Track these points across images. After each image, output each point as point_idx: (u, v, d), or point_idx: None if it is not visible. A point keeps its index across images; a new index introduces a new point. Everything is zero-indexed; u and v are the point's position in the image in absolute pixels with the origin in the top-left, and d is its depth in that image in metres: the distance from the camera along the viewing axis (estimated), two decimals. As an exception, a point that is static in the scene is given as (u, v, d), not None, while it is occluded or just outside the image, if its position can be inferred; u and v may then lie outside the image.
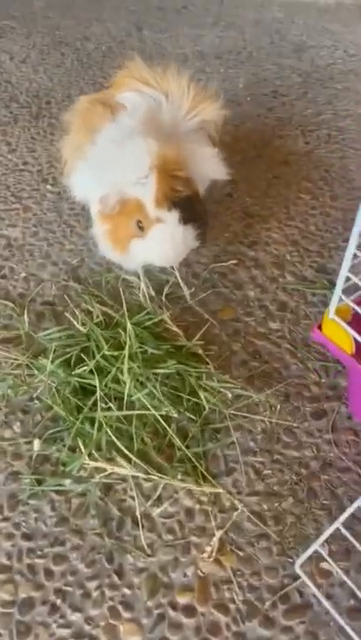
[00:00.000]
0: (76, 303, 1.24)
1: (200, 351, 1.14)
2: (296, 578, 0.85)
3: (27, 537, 0.89)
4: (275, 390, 1.09)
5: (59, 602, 0.83)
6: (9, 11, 2.55)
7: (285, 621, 0.81)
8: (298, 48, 2.29)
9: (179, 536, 0.90)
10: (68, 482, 0.95)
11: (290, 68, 2.14)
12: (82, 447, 0.97)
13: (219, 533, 0.88)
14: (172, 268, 1.23)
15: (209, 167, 1.26)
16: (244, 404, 1.05)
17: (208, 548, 0.87)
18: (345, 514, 0.85)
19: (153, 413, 1.00)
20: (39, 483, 0.95)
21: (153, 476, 0.95)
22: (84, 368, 1.06)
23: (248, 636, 0.80)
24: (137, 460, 0.96)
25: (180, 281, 1.25)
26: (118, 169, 1.14)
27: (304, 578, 0.82)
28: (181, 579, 0.85)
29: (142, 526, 0.90)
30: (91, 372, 1.05)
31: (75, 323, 1.16)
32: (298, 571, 0.83)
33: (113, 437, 0.97)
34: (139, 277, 1.25)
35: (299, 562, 0.83)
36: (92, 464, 0.95)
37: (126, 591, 0.84)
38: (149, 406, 1.01)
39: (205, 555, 0.87)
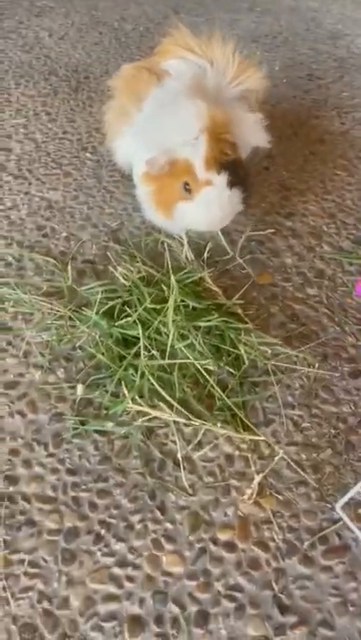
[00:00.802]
0: (116, 262, 1.27)
1: (239, 311, 1.16)
2: (335, 521, 0.86)
3: (71, 472, 0.92)
4: (313, 350, 1.10)
5: (103, 532, 0.85)
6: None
7: (325, 561, 0.83)
8: (333, 35, 2.30)
9: (219, 479, 0.92)
10: (110, 424, 0.98)
11: (326, 54, 2.16)
12: (126, 392, 0.99)
13: (258, 477, 0.90)
14: (217, 233, 1.25)
15: (252, 133, 1.28)
16: (282, 360, 1.07)
17: (248, 491, 0.89)
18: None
19: (194, 363, 1.02)
20: (82, 424, 0.98)
21: (194, 422, 0.96)
22: (127, 319, 1.08)
23: (288, 572, 0.82)
24: (178, 407, 0.98)
25: (222, 239, 1.26)
26: (168, 130, 1.16)
27: (344, 518, 0.84)
28: (222, 517, 0.87)
29: (183, 468, 0.92)
30: (134, 323, 1.08)
31: (118, 276, 1.18)
32: (338, 510, 0.84)
33: (155, 384, 0.99)
34: (180, 241, 1.27)
35: (339, 503, 0.85)
36: (136, 407, 0.97)
37: (168, 526, 0.86)
38: (190, 357, 1.03)
39: (245, 497, 0.89)
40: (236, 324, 1.11)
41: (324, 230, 1.38)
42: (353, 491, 0.85)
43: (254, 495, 0.89)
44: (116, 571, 0.82)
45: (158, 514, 0.87)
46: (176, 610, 0.78)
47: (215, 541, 0.85)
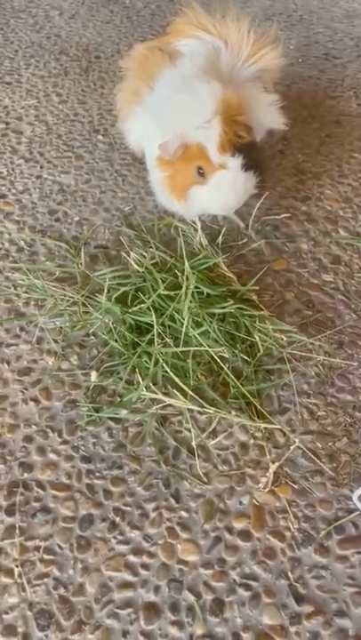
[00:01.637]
0: (129, 247, 1.25)
1: (254, 297, 1.14)
2: (351, 511, 0.86)
3: (85, 459, 0.91)
4: (329, 338, 1.09)
5: (118, 519, 0.85)
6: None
7: (341, 551, 0.82)
8: (349, 14, 2.24)
9: (234, 467, 0.91)
10: (124, 412, 0.97)
11: (342, 32, 2.10)
12: (140, 379, 0.98)
13: (274, 466, 0.89)
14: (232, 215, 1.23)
15: (267, 115, 1.25)
16: (298, 348, 1.06)
17: (263, 479, 0.89)
18: None
19: (208, 350, 1.01)
20: (96, 411, 0.97)
21: (208, 410, 0.96)
22: (141, 306, 1.07)
23: (304, 561, 0.82)
24: (193, 394, 0.97)
25: (237, 221, 1.24)
26: (180, 113, 1.13)
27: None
28: (237, 506, 0.87)
29: (198, 456, 0.92)
30: (148, 309, 1.06)
31: (132, 262, 1.17)
32: (355, 500, 0.84)
33: (170, 372, 0.99)
34: (193, 225, 1.25)
35: (356, 493, 0.84)
36: (150, 395, 0.96)
37: (183, 514, 0.86)
38: (205, 345, 1.02)
39: (261, 485, 0.88)
40: (250, 310, 1.09)
41: (340, 215, 1.35)
42: (370, 481, 0.85)
43: (270, 484, 0.88)
44: (132, 558, 0.82)
45: (173, 502, 0.87)
46: (191, 598, 0.78)
47: (230, 530, 0.84)
